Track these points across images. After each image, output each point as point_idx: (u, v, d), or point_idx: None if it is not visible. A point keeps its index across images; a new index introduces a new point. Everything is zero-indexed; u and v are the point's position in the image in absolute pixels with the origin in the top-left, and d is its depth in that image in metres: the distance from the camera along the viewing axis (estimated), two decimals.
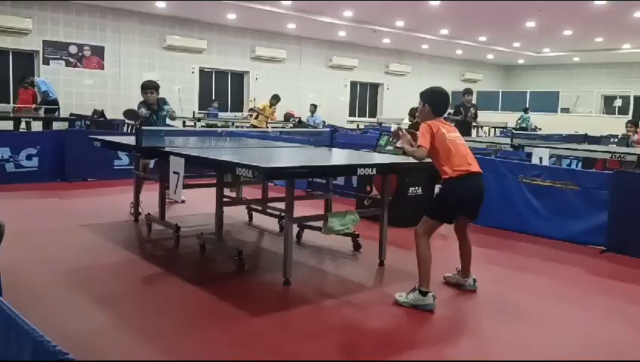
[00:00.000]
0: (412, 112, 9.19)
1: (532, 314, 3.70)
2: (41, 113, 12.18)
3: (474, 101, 11.78)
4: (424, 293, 3.59)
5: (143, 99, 6.54)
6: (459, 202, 3.77)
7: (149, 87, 6.53)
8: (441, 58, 22.88)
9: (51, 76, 13.66)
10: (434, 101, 3.86)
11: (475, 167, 3.75)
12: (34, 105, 12.15)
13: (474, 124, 12.03)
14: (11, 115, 11.80)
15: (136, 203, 5.95)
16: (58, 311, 3.36)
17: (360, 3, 13.77)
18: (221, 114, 16.88)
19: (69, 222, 5.77)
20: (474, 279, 4.08)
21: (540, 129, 18.85)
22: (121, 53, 15.50)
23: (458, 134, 3.88)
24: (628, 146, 9.64)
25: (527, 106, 20.01)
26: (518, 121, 18.82)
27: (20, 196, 7.25)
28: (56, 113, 12.32)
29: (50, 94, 12.29)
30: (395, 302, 3.68)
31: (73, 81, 14.82)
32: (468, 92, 11.50)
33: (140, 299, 3.73)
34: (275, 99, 12.57)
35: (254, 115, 12.96)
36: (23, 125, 11.45)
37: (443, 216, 3.80)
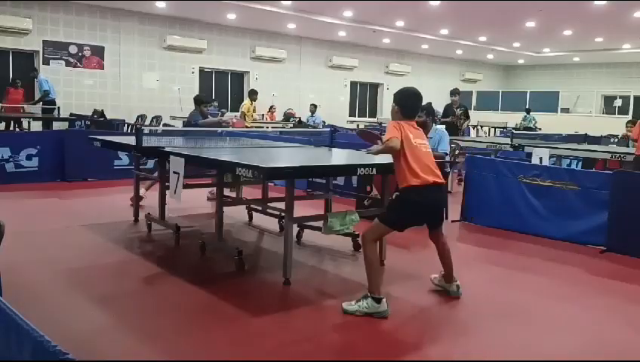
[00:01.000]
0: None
1: (532, 314, 3.70)
2: (33, 110, 12.14)
3: (473, 101, 11.55)
4: (378, 300, 3.45)
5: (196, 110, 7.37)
6: (415, 213, 3.65)
7: (206, 101, 7.69)
8: (441, 58, 22.88)
9: (51, 76, 13.65)
10: (403, 102, 3.73)
11: (436, 178, 3.61)
12: (23, 105, 12.14)
13: (466, 125, 11.44)
14: (11, 115, 11.80)
15: (136, 202, 5.95)
16: (58, 311, 3.36)
17: (360, 3, 13.76)
18: (228, 114, 16.87)
19: (69, 222, 5.77)
20: (457, 285, 3.91)
21: (540, 129, 18.86)
22: (121, 53, 15.50)
23: (425, 141, 3.73)
24: (627, 146, 9.64)
25: (528, 107, 19.97)
26: (523, 123, 18.79)
27: (20, 196, 7.25)
28: (53, 113, 12.31)
29: (51, 94, 12.28)
30: (343, 312, 3.47)
31: (73, 81, 14.81)
32: (453, 93, 11.15)
33: (140, 299, 3.73)
34: (254, 93, 12.97)
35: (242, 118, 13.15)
36: (15, 126, 11.46)
37: (396, 224, 3.66)
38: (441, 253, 3.89)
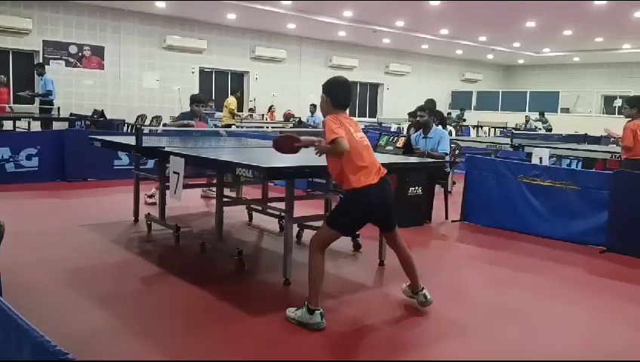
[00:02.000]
0: (412, 113, 9.17)
1: (532, 314, 3.70)
2: (33, 110, 12.14)
3: (473, 101, 11.40)
4: (311, 311, 3.21)
5: (190, 110, 7.23)
6: (364, 216, 3.41)
7: (202, 100, 7.52)
8: (441, 58, 22.88)
9: (51, 76, 13.66)
10: (332, 90, 3.44)
11: (380, 174, 3.35)
12: (8, 105, 12.12)
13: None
14: (11, 115, 11.79)
15: (136, 203, 5.95)
16: (58, 311, 3.36)
17: (360, 3, 13.77)
18: (221, 114, 16.86)
19: (69, 222, 5.77)
20: (424, 295, 3.58)
21: (540, 129, 18.86)
22: (121, 53, 15.50)
23: (363, 134, 3.45)
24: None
25: (542, 111, 19.75)
26: (545, 125, 18.69)
27: (20, 196, 7.25)
28: (52, 113, 12.30)
29: (51, 95, 12.29)
30: (286, 317, 3.34)
31: (73, 81, 14.82)
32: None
33: (140, 299, 3.73)
34: (237, 92, 13.75)
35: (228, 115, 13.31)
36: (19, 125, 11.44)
37: (345, 228, 3.43)
38: (400, 257, 3.60)
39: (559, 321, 3.58)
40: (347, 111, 3.56)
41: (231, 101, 13.38)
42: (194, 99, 7.30)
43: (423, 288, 3.61)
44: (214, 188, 6.99)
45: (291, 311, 3.34)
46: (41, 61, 13.91)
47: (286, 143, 3.48)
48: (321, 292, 3.95)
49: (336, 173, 3.38)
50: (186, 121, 7.02)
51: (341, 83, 3.53)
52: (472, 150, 8.95)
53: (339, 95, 3.47)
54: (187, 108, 7.39)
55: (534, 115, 19.53)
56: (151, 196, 6.69)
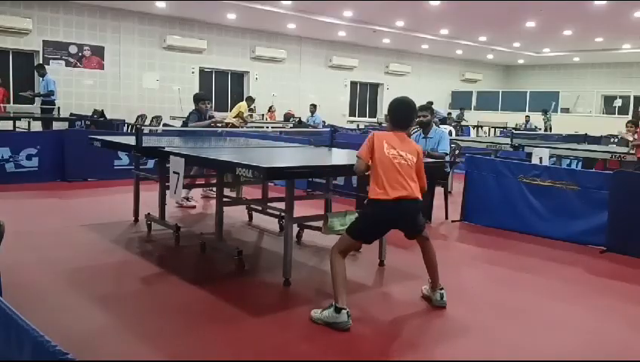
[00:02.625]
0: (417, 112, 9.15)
1: (532, 314, 3.70)
2: (33, 110, 12.12)
3: (473, 101, 11.42)
4: (338, 310, 3.28)
5: (196, 109, 7.23)
6: (377, 226, 3.54)
7: (208, 98, 7.50)
8: (441, 58, 22.88)
9: (51, 76, 13.66)
10: (391, 113, 3.65)
11: (406, 193, 3.39)
12: (2, 105, 12.11)
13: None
14: (11, 115, 11.79)
15: (136, 203, 5.95)
16: (58, 311, 3.36)
17: (360, 3, 13.77)
18: (221, 114, 16.87)
19: (69, 222, 5.77)
20: (441, 294, 3.69)
21: (540, 129, 18.88)
22: (121, 53, 15.50)
23: (405, 153, 3.47)
24: (627, 146, 9.64)
25: (545, 108, 19.80)
26: (546, 123, 18.76)
27: (20, 196, 7.25)
28: (52, 113, 12.31)
29: (53, 96, 12.30)
30: (310, 318, 3.38)
31: (73, 81, 14.82)
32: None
33: (140, 299, 3.73)
34: (251, 101, 14.02)
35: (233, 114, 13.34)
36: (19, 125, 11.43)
37: (360, 236, 3.54)
38: (424, 255, 3.71)
39: (559, 321, 3.58)
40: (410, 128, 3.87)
41: (240, 105, 13.63)
42: (199, 98, 7.32)
43: (442, 288, 3.70)
44: (214, 188, 7.03)
45: (317, 313, 3.39)
46: (41, 61, 13.92)
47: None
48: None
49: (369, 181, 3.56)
50: (210, 121, 7.15)
51: (401, 105, 3.66)
52: (472, 150, 8.95)
53: (396, 115, 3.64)
54: (187, 108, 7.39)
55: (539, 118, 19.58)
56: (188, 199, 6.78)
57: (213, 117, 7.46)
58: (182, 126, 7.85)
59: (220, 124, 8.23)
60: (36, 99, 12.89)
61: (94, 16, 14.94)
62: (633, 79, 21.94)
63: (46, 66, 13.08)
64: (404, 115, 3.63)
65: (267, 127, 14.67)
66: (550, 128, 18.66)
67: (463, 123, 20.09)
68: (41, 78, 12.45)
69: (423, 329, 3.44)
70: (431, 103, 8.17)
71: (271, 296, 3.89)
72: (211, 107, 15.35)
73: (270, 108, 17.70)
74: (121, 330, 3.17)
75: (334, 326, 3.27)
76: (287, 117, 16.18)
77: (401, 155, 3.46)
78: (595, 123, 18.79)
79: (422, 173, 3.59)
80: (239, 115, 13.13)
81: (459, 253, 5.46)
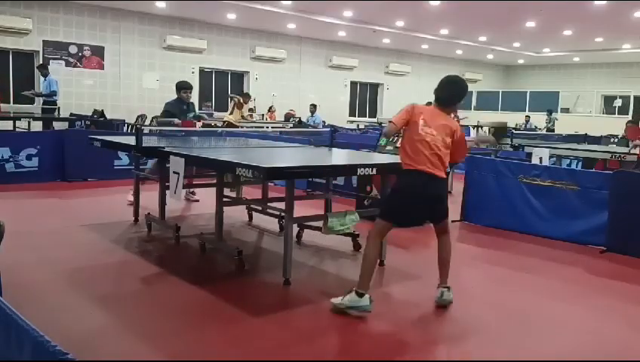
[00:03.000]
0: None
1: (532, 313, 3.70)
2: (33, 110, 12.09)
3: (473, 101, 11.37)
4: (360, 295, 3.38)
5: (177, 97, 7.14)
6: (407, 199, 3.49)
7: (191, 87, 7.35)
8: (441, 58, 22.87)
9: (52, 76, 13.67)
10: (438, 87, 3.69)
11: (432, 169, 3.44)
12: None
13: None
14: (11, 115, 11.78)
15: (136, 202, 5.95)
16: (58, 311, 3.36)
17: (360, 3, 13.77)
18: (221, 114, 16.88)
19: (69, 222, 5.77)
20: (441, 291, 3.63)
21: (540, 129, 18.87)
22: (121, 53, 15.50)
23: (438, 133, 3.49)
24: (627, 146, 9.64)
25: (550, 108, 19.74)
26: (548, 125, 18.75)
27: (20, 196, 7.25)
28: (54, 113, 12.30)
29: (55, 96, 12.30)
30: (331, 308, 3.44)
31: (73, 81, 14.81)
32: None
33: (140, 299, 3.73)
34: (247, 97, 13.38)
35: (229, 111, 13.17)
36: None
37: (390, 214, 3.53)
38: (439, 253, 3.71)
39: (559, 321, 3.58)
40: (455, 106, 3.80)
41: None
42: (181, 86, 7.20)
43: (447, 286, 3.66)
44: (194, 191, 7.04)
45: (337, 299, 3.45)
46: (41, 61, 13.91)
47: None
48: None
49: (400, 151, 3.62)
50: (170, 119, 6.91)
51: (447, 81, 3.72)
52: (471, 150, 8.94)
53: (442, 92, 3.67)
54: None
55: (539, 118, 19.56)
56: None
57: (202, 117, 7.39)
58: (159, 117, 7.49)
59: (213, 123, 8.16)
60: (37, 98, 12.88)
61: (94, 16, 14.94)
62: (633, 79, 21.93)
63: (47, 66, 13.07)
64: (448, 93, 3.65)
65: (267, 127, 14.66)
66: (552, 129, 18.60)
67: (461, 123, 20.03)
68: (43, 78, 12.45)
69: (422, 329, 3.44)
70: (430, 103, 8.19)
71: (271, 296, 3.89)
72: (211, 106, 15.38)
73: (270, 108, 17.69)
74: (121, 330, 3.17)
75: (357, 310, 3.36)
76: (288, 117, 16.16)
77: (434, 135, 3.48)
78: (595, 123, 18.78)
79: (462, 146, 3.65)
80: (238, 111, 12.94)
81: (459, 253, 5.44)
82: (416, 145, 3.46)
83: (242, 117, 12.80)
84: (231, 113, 12.72)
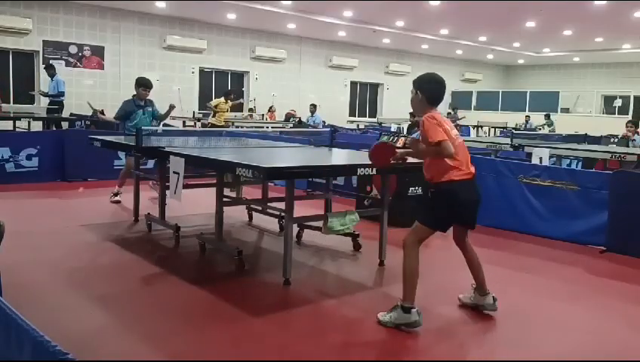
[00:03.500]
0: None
1: (532, 313, 3.70)
2: (34, 110, 12.10)
3: (473, 101, 11.08)
4: (407, 309, 3.20)
5: (135, 94, 7.01)
6: (457, 208, 3.33)
7: (150, 86, 7.15)
8: (441, 58, 22.87)
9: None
10: (428, 87, 3.42)
11: (474, 171, 3.38)
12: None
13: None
14: (11, 115, 11.79)
15: (136, 203, 5.95)
16: (58, 311, 3.36)
17: (360, 3, 13.77)
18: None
19: (69, 222, 5.77)
20: (494, 297, 3.55)
21: (540, 129, 18.85)
22: (121, 53, 15.50)
23: (456, 131, 3.45)
24: (628, 146, 9.64)
25: (548, 113, 19.66)
26: (550, 128, 18.70)
27: (20, 196, 7.24)
28: (58, 113, 12.33)
29: (62, 96, 12.32)
30: (378, 322, 3.31)
31: (73, 81, 14.80)
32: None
33: (140, 299, 3.73)
34: (229, 94, 13.22)
35: (211, 114, 13.13)
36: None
37: (439, 224, 3.37)
38: (468, 259, 3.55)
39: (559, 321, 3.58)
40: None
41: (216, 102, 13.25)
42: (140, 83, 7.04)
43: (490, 293, 3.55)
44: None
45: (384, 316, 3.29)
46: (42, 61, 13.93)
47: (381, 156, 3.56)
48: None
49: (432, 169, 3.34)
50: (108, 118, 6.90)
51: (437, 81, 3.50)
52: (472, 150, 8.93)
53: (435, 93, 3.44)
54: (187, 108, 7.33)
55: (538, 118, 19.52)
56: (116, 194, 6.86)
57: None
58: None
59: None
60: (38, 98, 12.90)
61: (94, 16, 14.94)
62: (633, 79, 21.93)
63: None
64: (440, 91, 3.48)
65: (267, 127, 14.66)
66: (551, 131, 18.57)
67: (458, 123, 20.01)
68: (50, 79, 12.46)
69: (422, 329, 3.44)
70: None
71: (271, 296, 3.89)
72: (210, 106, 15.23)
73: (270, 108, 17.70)
74: (121, 330, 3.17)
75: (405, 328, 3.18)
76: (288, 117, 16.17)
77: (456, 135, 3.36)
78: (595, 123, 18.78)
79: None
80: (218, 109, 12.90)
81: (459, 253, 5.45)
82: (460, 149, 3.30)
83: (225, 117, 12.87)
84: (214, 116, 12.83)
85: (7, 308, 1.41)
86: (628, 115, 18.61)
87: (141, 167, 6.52)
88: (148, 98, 7.10)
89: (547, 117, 19.03)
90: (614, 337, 3.40)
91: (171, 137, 6.68)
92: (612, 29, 16.24)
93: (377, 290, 4.20)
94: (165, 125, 12.53)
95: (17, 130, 11.08)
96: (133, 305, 3.59)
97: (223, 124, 12.63)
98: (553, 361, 3.02)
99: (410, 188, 6.17)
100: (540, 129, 18.28)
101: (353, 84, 21.30)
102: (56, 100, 12.21)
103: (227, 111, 13.18)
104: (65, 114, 13.07)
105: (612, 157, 8.04)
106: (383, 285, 4.34)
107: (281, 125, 14.97)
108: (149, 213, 5.56)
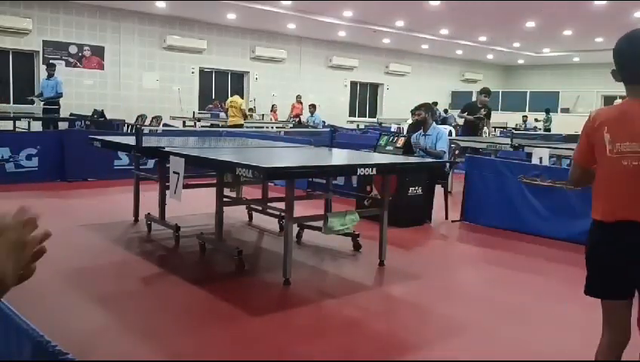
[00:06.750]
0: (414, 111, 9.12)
1: (532, 313, 3.70)
2: (34, 110, 12.10)
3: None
4: None
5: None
6: (600, 266, 2.23)
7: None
8: (441, 58, 22.88)
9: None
10: (622, 56, 2.10)
11: None
12: None
13: (482, 128, 10.35)
14: (11, 115, 11.79)
15: (136, 203, 5.94)
16: (58, 311, 3.37)
17: (360, 3, 13.77)
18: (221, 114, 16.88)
19: (68, 222, 5.76)
20: None
21: (540, 129, 18.87)
22: (121, 53, 15.50)
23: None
24: None
25: (548, 108, 19.69)
26: (546, 124, 18.78)
27: (20, 196, 7.24)
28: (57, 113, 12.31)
29: (60, 98, 12.31)
30: None
31: (73, 81, 14.80)
32: (483, 92, 10.35)
33: (140, 299, 3.73)
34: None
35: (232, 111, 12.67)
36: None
37: (595, 288, 2.33)
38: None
39: (559, 321, 3.58)
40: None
41: (241, 101, 12.61)
42: None
43: None
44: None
45: None
46: (42, 61, 13.92)
47: None
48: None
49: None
50: None
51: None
52: (470, 150, 8.94)
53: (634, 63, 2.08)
54: (187, 108, 7.32)
55: (538, 116, 19.59)
56: None
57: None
58: None
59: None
60: (37, 99, 12.88)
61: (94, 16, 14.94)
62: None
63: (46, 67, 13.06)
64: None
65: (271, 127, 14.68)
66: (549, 128, 18.62)
67: (454, 124, 19.95)
68: (47, 78, 12.44)
69: (423, 329, 3.44)
70: (435, 104, 8.18)
71: (271, 296, 3.89)
72: (211, 107, 15.25)
73: (273, 107, 17.73)
74: (121, 330, 3.17)
75: None
76: (297, 115, 16.32)
77: (636, 151, 2.00)
78: None
79: None
80: (243, 112, 12.60)
81: (459, 253, 5.46)
82: (615, 176, 2.07)
83: (245, 116, 12.80)
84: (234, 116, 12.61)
85: (7, 308, 1.41)
86: None
87: (141, 167, 6.52)
88: None
89: (547, 112, 19.12)
90: None
91: (171, 137, 6.67)
92: (612, 29, 16.20)
93: (377, 290, 4.20)
94: (165, 125, 12.57)
95: (17, 130, 11.08)
96: (133, 305, 3.59)
97: (242, 122, 12.36)
98: (553, 361, 3.02)
99: (410, 188, 6.16)
100: (537, 121, 18.38)
101: (353, 84, 21.30)
102: (55, 101, 12.18)
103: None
104: (65, 114, 13.06)
105: None
106: (382, 285, 4.34)
107: (281, 125, 14.99)
108: (149, 213, 5.55)
